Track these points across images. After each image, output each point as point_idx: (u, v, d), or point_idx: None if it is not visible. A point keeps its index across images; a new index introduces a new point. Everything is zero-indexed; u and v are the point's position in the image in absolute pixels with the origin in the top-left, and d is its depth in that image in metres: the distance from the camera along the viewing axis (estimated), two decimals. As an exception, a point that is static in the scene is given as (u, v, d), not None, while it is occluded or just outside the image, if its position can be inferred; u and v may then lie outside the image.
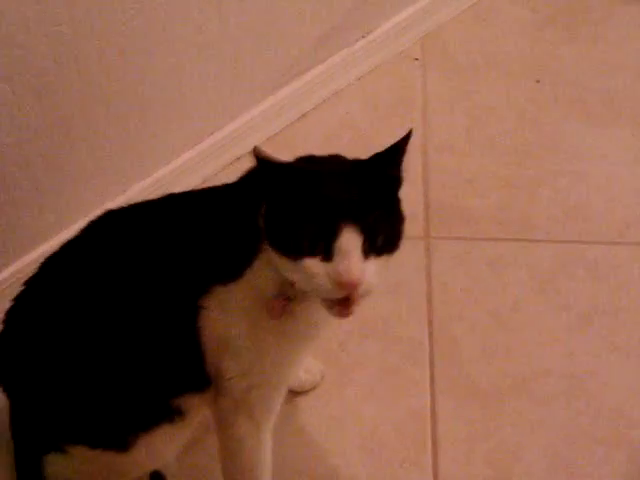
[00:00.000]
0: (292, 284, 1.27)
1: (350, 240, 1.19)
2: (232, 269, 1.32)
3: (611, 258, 2.00)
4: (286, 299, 1.31)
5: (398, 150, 1.26)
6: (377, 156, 1.26)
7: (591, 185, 2.15)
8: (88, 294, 1.35)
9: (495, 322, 1.88)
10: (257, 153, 1.23)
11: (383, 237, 1.23)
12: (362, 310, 1.87)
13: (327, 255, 1.20)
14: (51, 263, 1.42)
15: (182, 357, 1.37)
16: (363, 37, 2.32)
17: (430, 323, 1.88)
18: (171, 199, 1.41)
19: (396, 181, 1.28)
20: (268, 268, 1.30)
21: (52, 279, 1.40)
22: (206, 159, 2.08)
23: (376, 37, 2.35)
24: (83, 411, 1.38)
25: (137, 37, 1.76)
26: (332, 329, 1.42)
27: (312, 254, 1.20)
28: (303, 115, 2.26)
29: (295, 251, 1.21)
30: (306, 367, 1.75)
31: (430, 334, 1.86)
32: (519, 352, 1.84)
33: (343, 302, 1.22)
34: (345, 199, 1.22)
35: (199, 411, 1.46)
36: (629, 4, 2.62)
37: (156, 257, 1.35)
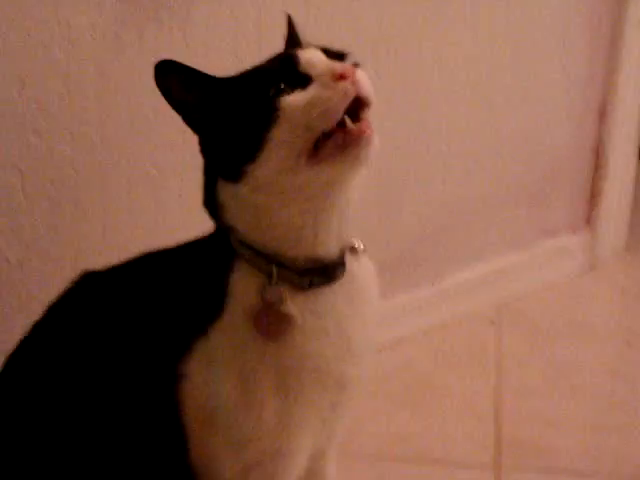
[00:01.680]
0: (275, 276, 1.08)
1: (314, 54, 1.08)
2: (208, 311, 1.10)
3: None
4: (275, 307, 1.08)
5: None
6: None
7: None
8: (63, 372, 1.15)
9: None
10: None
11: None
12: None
13: (300, 83, 1.05)
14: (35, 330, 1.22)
15: (162, 445, 1.11)
16: (432, 284, 2.13)
17: None
18: (147, 258, 1.21)
19: None
20: (245, 279, 1.10)
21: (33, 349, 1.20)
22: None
23: (448, 288, 2.16)
24: None
25: (168, 166, 1.61)
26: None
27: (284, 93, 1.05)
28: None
29: (266, 111, 1.03)
30: None
31: None
32: None
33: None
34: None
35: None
36: None
37: (130, 325, 1.14)
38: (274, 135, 1.02)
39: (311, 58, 1.06)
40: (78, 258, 1.55)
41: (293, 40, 1.21)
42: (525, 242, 2.31)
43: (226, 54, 1.59)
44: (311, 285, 1.10)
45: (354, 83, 1.02)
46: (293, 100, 1.03)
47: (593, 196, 2.40)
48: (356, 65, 1.07)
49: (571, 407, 1.90)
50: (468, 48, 1.98)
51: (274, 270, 1.09)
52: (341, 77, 1.02)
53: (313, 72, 1.05)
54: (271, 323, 1.07)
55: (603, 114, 2.30)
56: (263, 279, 1.10)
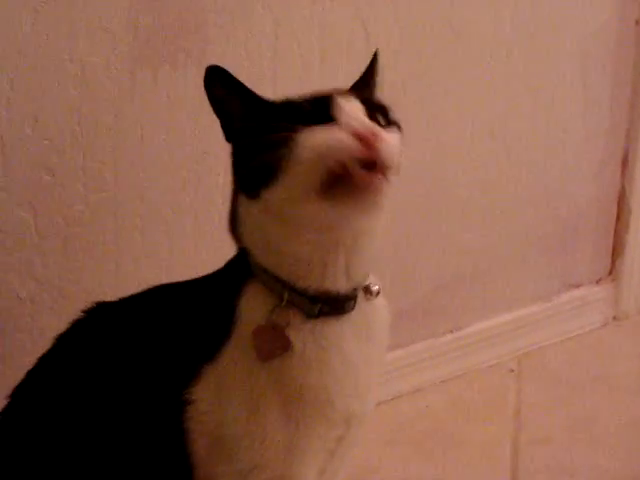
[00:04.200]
0: (286, 302, 1.09)
1: (350, 103, 1.05)
2: (216, 336, 1.11)
3: None
4: (279, 328, 1.07)
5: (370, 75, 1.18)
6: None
7: None
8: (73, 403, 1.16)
9: None
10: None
11: (383, 117, 1.06)
12: None
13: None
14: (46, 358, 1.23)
15: (168, 472, 1.11)
16: (451, 332, 2.11)
17: None
18: (159, 289, 1.23)
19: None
20: (255, 302, 1.11)
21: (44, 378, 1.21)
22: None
23: (467, 337, 2.12)
24: None
25: (183, 206, 1.62)
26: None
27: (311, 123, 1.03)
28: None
29: (285, 143, 1.02)
30: None
31: None
32: None
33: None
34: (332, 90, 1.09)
35: None
36: None
37: (139, 352, 1.15)
38: (288, 167, 1.02)
39: (345, 105, 1.04)
40: (90, 295, 1.53)
41: (368, 74, 1.19)
42: (547, 293, 2.28)
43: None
44: (320, 314, 1.10)
45: (372, 149, 0.99)
46: (309, 135, 1.01)
47: (616, 247, 2.36)
48: (391, 124, 1.08)
49: (590, 459, 1.85)
50: (486, 97, 1.98)
51: (285, 293, 1.09)
52: (361, 139, 0.99)
53: (340, 119, 1.02)
54: (268, 343, 1.07)
55: (625, 164, 2.28)
56: (274, 301, 1.10)
